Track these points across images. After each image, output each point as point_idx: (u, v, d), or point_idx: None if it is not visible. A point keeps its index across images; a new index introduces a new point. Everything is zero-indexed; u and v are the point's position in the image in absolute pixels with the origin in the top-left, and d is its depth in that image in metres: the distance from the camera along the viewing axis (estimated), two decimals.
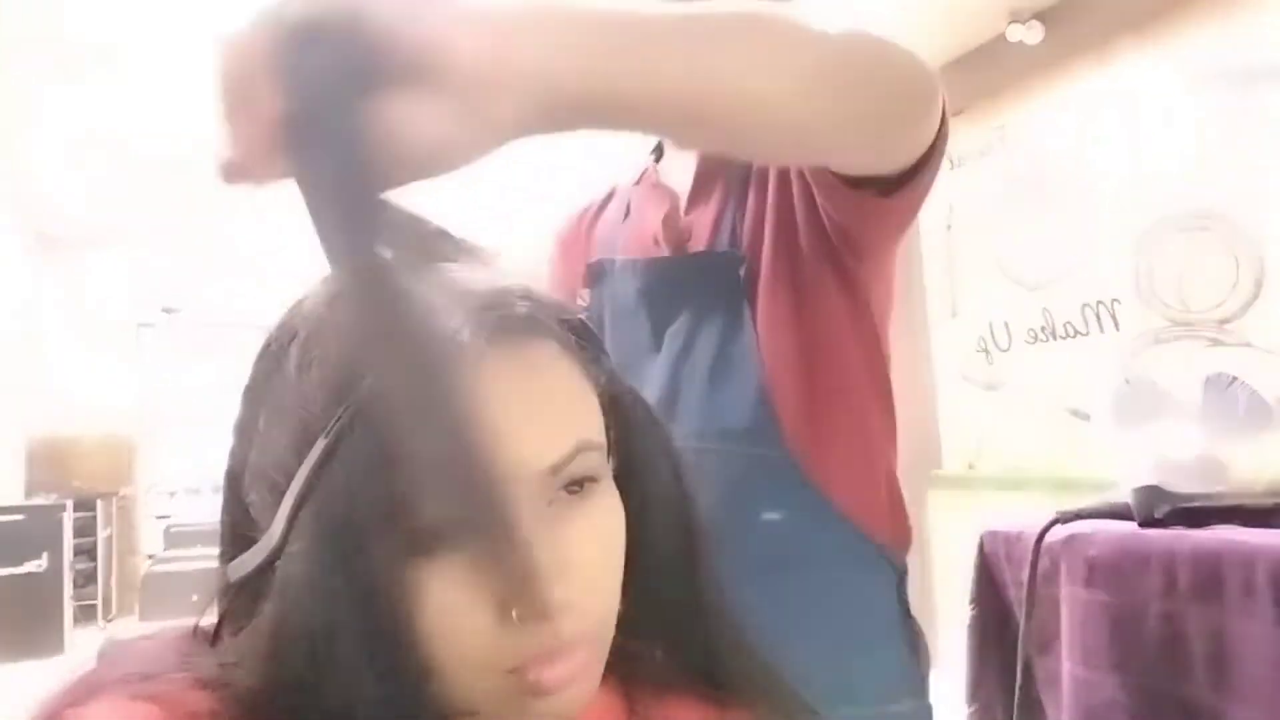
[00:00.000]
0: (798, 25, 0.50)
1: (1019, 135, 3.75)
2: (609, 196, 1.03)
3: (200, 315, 7.98)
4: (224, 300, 7.79)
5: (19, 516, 4.89)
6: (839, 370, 0.85)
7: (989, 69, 3.74)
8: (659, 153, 0.99)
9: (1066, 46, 3.44)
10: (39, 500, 5.28)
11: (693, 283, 0.86)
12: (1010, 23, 3.44)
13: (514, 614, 0.36)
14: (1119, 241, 3.33)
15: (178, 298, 7.59)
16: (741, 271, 0.83)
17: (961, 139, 4.02)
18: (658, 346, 0.88)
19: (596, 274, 0.96)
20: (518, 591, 0.36)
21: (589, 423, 0.42)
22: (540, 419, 0.39)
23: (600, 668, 0.41)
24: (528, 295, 0.41)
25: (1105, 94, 3.38)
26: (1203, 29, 3.04)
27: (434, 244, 0.43)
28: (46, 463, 5.80)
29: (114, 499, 6.11)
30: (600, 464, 0.42)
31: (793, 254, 0.83)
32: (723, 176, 0.89)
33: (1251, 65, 2.89)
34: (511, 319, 0.39)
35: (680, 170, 0.92)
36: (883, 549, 0.85)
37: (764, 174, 0.86)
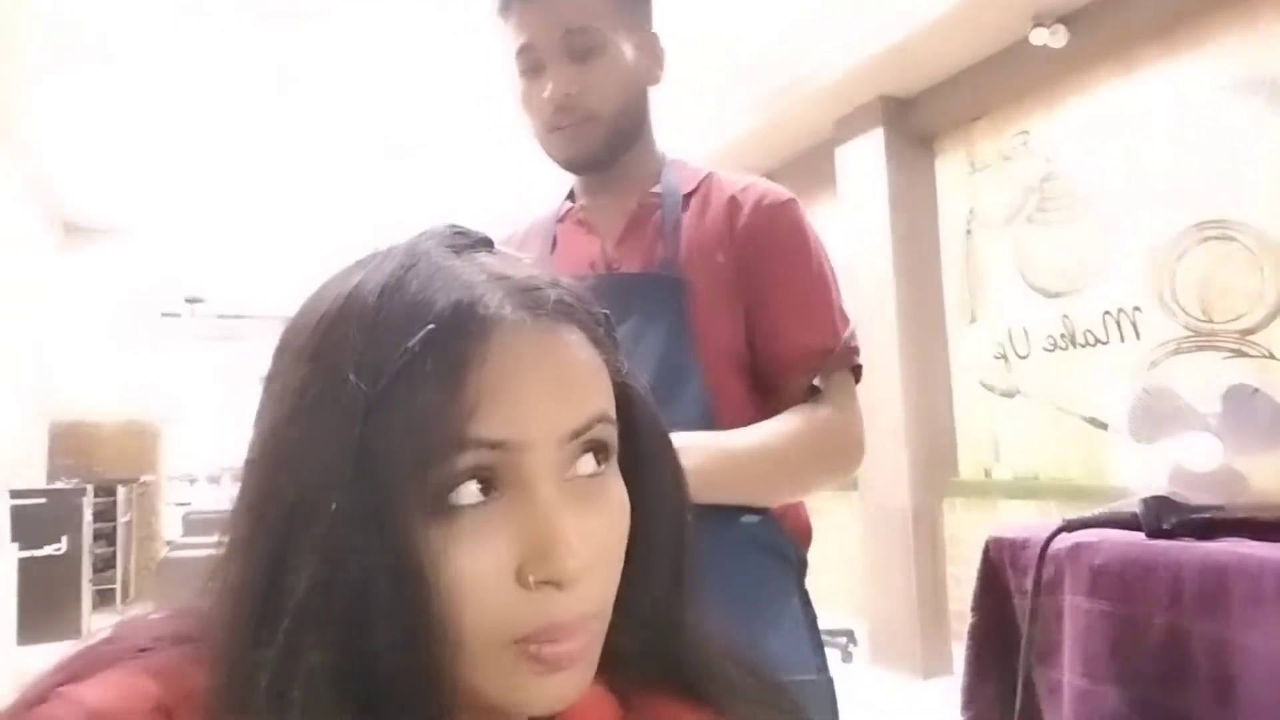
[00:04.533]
0: (799, 466, 0.94)
1: (1041, 140, 3.73)
2: (528, 230, 1.12)
3: (224, 305, 8.07)
4: (248, 291, 7.87)
5: (40, 500, 4.96)
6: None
7: (1012, 72, 3.71)
8: (573, 195, 1.11)
9: (1090, 51, 3.40)
10: (60, 484, 5.37)
11: (640, 296, 0.97)
12: (1034, 26, 3.41)
13: (530, 580, 0.38)
14: (1141, 249, 3.30)
15: (202, 288, 7.68)
16: (684, 294, 0.96)
17: (983, 144, 4.00)
18: None
19: None
20: (537, 557, 0.38)
21: (607, 400, 0.44)
22: (565, 388, 0.41)
23: (596, 655, 0.42)
24: (557, 284, 0.44)
25: (1129, 99, 3.35)
26: (1228, 35, 3.01)
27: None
28: (69, 448, 5.89)
29: (135, 485, 6.19)
30: (613, 442, 0.44)
31: (717, 281, 0.98)
32: (653, 220, 1.02)
33: (1277, 72, 2.86)
34: (544, 302, 0.42)
35: (602, 211, 1.06)
36: (790, 543, 0.98)
37: (694, 217, 1.01)
